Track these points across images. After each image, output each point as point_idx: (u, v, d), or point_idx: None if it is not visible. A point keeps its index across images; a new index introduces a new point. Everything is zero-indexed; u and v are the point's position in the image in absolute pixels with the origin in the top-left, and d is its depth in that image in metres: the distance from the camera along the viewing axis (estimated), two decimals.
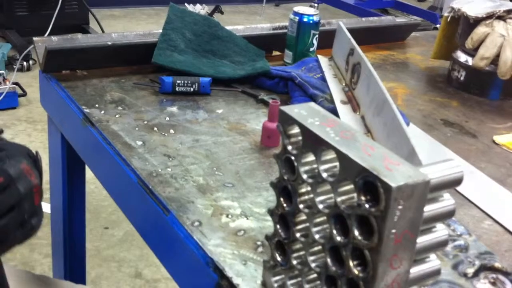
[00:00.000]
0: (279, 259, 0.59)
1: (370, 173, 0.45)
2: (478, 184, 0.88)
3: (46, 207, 2.23)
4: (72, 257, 1.32)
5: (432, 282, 0.62)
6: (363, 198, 0.47)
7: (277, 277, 0.59)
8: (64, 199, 1.23)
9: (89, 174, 1.11)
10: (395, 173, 0.45)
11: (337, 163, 0.49)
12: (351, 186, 0.48)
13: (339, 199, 0.49)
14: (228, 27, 1.26)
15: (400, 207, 0.44)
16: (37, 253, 2.01)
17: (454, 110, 1.17)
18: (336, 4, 4.90)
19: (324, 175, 0.50)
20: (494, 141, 1.04)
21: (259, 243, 0.70)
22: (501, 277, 0.66)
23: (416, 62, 1.45)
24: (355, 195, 0.47)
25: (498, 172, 0.93)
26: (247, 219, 0.74)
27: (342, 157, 0.48)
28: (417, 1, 5.72)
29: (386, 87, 0.91)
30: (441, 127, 1.08)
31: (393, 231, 0.45)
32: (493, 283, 0.65)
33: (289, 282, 0.58)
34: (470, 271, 0.66)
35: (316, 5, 4.79)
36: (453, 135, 1.06)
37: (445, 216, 0.50)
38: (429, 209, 0.48)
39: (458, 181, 0.50)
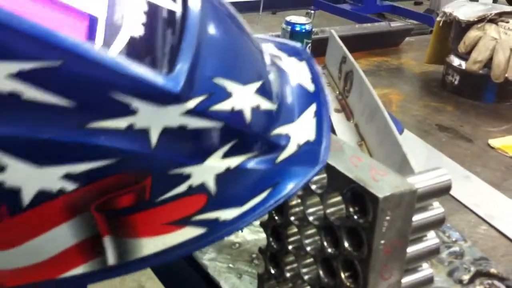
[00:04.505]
0: (273, 271, 0.59)
1: (357, 184, 0.45)
2: (474, 188, 0.88)
3: None
4: None
5: None
6: (351, 209, 0.47)
7: None
8: None
9: None
10: (381, 184, 0.45)
11: (325, 175, 0.49)
12: (340, 198, 0.48)
13: (328, 210, 0.49)
14: None
15: (388, 217, 0.44)
16: None
17: (449, 114, 1.17)
18: (333, 11, 4.88)
19: (313, 187, 0.50)
20: (489, 145, 1.04)
21: (254, 255, 0.70)
22: (496, 282, 0.65)
23: (410, 68, 1.45)
24: (344, 206, 0.47)
25: (494, 176, 0.93)
26: (242, 231, 0.74)
27: (329, 168, 0.48)
28: (414, 5, 5.72)
29: (380, 94, 0.91)
30: (436, 132, 1.08)
31: (382, 241, 0.45)
32: None
33: None
34: (466, 277, 0.66)
35: (312, 12, 4.79)
36: (448, 139, 1.06)
37: (435, 225, 0.50)
38: (418, 218, 0.48)
39: (446, 189, 0.50)
